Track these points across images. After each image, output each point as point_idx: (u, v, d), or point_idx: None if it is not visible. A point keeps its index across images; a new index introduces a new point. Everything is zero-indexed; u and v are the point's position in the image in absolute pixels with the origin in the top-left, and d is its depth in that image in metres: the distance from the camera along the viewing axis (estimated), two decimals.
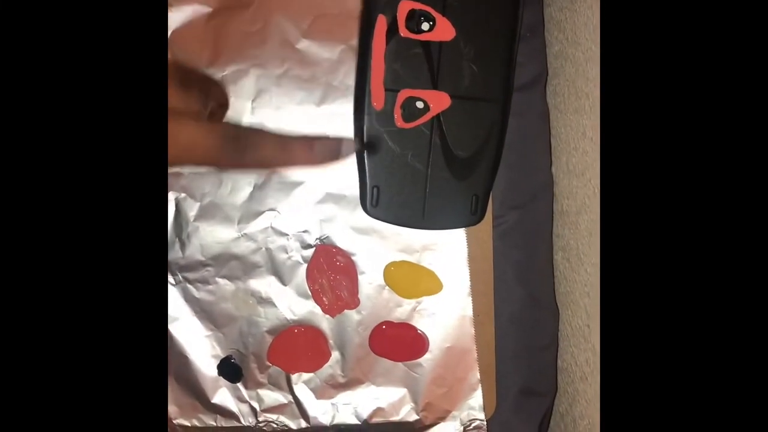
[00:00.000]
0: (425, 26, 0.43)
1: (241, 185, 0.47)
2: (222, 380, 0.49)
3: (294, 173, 0.47)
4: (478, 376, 0.48)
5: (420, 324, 0.48)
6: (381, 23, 0.43)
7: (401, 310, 0.48)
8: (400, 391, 0.49)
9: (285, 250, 0.48)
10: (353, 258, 0.48)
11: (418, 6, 0.43)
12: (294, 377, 0.49)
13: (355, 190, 0.46)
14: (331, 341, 0.48)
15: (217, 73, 0.47)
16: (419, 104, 0.44)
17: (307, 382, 0.49)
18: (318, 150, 0.35)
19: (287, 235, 0.48)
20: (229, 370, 0.48)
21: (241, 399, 0.49)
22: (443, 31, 0.43)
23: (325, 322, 0.48)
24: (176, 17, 0.46)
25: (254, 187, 0.47)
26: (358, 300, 0.48)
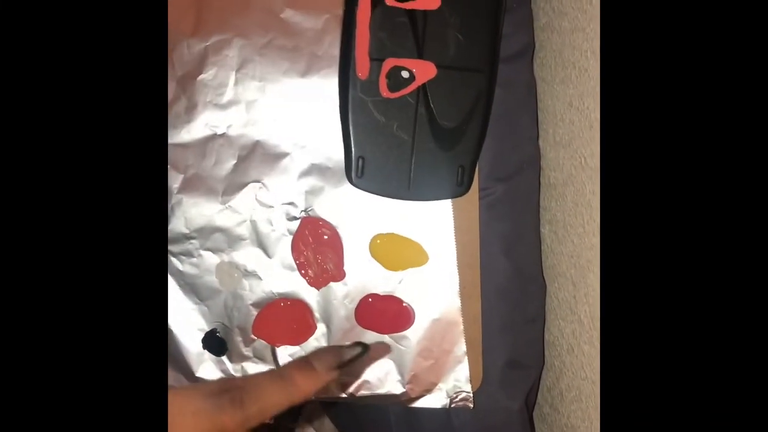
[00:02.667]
0: None
1: (225, 157, 0.47)
2: (207, 353, 0.48)
3: (279, 145, 0.47)
4: (465, 349, 0.48)
5: (406, 296, 0.48)
6: None
7: (387, 282, 0.48)
8: (387, 364, 0.48)
9: (270, 222, 0.47)
10: (338, 230, 0.47)
11: None
12: (279, 350, 0.48)
13: (340, 162, 0.46)
14: (316, 314, 0.48)
15: (200, 44, 0.46)
16: (405, 74, 0.44)
17: (292, 355, 0.48)
18: (318, 365, 0.32)
19: (272, 207, 0.47)
20: (214, 343, 0.48)
21: (225, 372, 0.49)
22: None
23: (310, 295, 0.48)
24: None
25: (238, 159, 0.47)
26: (344, 272, 0.48)
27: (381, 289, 0.48)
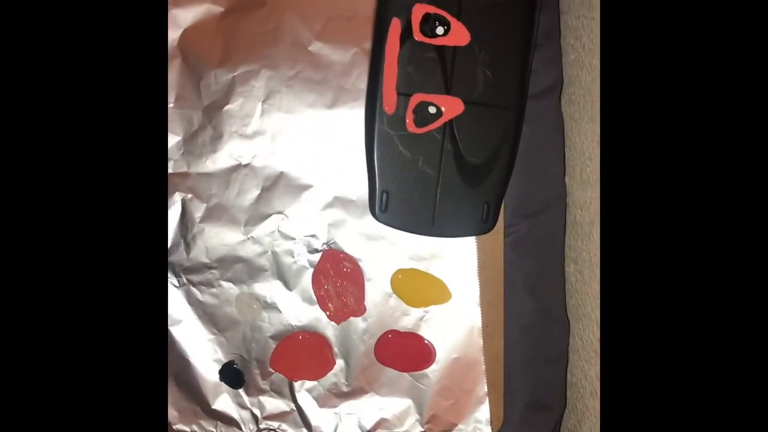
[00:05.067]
0: (440, 30, 0.42)
1: (248, 187, 0.47)
2: (223, 386, 0.48)
3: (303, 177, 0.46)
4: (486, 389, 0.47)
5: (427, 334, 0.47)
6: (395, 26, 0.42)
7: (408, 318, 0.47)
8: (405, 402, 0.47)
9: (291, 254, 0.47)
10: (360, 264, 0.47)
11: (433, 10, 0.42)
12: (297, 385, 0.48)
13: (364, 195, 0.46)
14: (335, 349, 0.47)
15: (228, 74, 0.46)
16: (432, 109, 0.43)
17: (309, 390, 0.48)
18: None
19: (294, 238, 0.47)
20: (231, 375, 0.47)
21: (242, 405, 0.48)
22: (458, 35, 0.43)
23: (330, 329, 0.47)
24: (187, 16, 0.46)
25: (262, 190, 0.47)
26: (365, 307, 0.47)
27: (401, 326, 0.47)
